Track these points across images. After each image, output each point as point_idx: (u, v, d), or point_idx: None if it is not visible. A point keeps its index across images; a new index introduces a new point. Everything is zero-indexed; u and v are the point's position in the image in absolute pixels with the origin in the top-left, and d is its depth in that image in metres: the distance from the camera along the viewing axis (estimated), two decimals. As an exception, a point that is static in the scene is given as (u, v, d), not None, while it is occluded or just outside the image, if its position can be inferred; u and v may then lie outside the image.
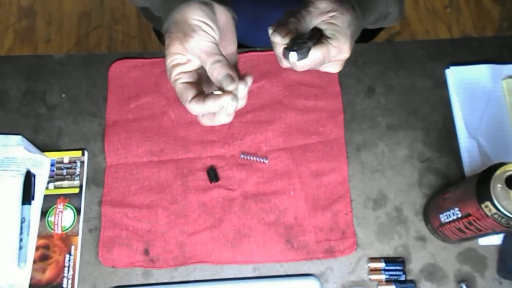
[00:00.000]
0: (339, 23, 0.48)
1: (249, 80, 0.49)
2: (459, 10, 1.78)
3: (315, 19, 0.49)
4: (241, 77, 0.49)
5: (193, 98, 0.49)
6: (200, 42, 0.48)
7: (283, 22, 0.48)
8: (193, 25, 0.49)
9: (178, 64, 0.50)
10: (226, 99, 0.47)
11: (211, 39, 0.49)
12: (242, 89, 0.48)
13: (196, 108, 0.48)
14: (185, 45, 0.49)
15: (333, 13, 0.48)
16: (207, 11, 0.49)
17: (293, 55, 0.46)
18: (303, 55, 0.46)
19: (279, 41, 0.48)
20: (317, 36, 0.49)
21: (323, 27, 0.49)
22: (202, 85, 0.52)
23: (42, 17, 1.77)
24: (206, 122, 0.51)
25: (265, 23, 0.53)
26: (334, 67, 0.53)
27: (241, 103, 0.50)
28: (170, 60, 0.50)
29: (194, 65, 0.50)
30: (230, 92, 0.47)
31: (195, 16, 0.49)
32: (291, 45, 0.47)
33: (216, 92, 0.47)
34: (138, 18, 1.76)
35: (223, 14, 0.52)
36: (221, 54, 0.49)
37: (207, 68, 0.49)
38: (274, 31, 0.48)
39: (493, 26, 1.75)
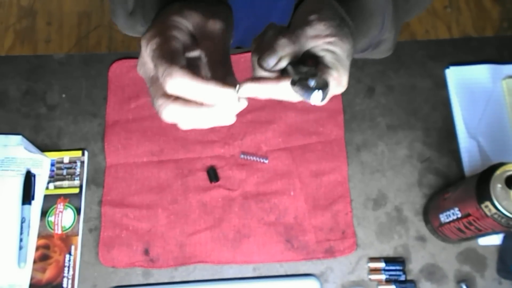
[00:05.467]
0: (338, 51, 0.40)
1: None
2: (459, 10, 1.78)
3: (309, 43, 0.40)
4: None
5: (186, 66, 0.37)
6: (225, 30, 0.42)
7: (269, 43, 0.40)
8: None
9: (182, 31, 0.41)
10: (232, 93, 0.37)
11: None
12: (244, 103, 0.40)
13: (187, 79, 0.36)
14: (210, 21, 0.41)
15: (332, 39, 0.40)
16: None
17: (317, 95, 0.36)
18: (326, 93, 0.37)
19: (268, 68, 0.40)
20: (311, 65, 0.40)
21: (320, 53, 0.40)
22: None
23: (42, 17, 1.77)
24: (187, 121, 0.39)
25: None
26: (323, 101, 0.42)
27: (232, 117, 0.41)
28: (180, 21, 0.41)
29: (191, 47, 0.42)
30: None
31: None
32: (304, 79, 0.37)
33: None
34: (138, 18, 1.76)
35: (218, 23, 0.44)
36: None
37: (217, 58, 0.40)
38: (259, 51, 0.40)
39: (493, 26, 1.75)
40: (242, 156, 0.71)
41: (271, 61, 0.39)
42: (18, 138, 0.73)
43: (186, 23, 0.41)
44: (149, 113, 0.74)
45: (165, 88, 0.37)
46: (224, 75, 0.39)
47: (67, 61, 0.78)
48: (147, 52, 0.39)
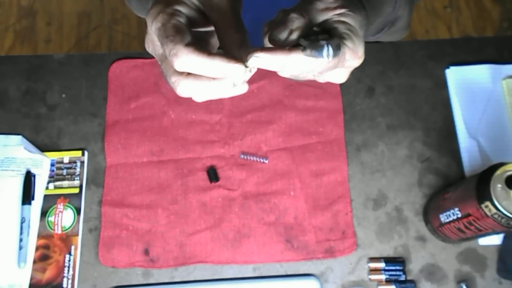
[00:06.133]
0: (351, 21, 0.40)
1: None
2: (459, 10, 1.78)
3: (320, 16, 0.41)
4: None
5: (191, 43, 0.37)
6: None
7: (280, 21, 0.40)
8: None
9: (186, 4, 0.40)
10: (240, 68, 0.37)
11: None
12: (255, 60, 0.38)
13: (193, 58, 0.36)
14: None
15: (343, 10, 0.40)
16: None
17: (327, 50, 0.36)
18: (337, 52, 0.37)
19: (280, 42, 0.40)
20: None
21: (332, 25, 0.41)
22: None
23: (42, 17, 1.77)
24: (201, 95, 0.40)
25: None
26: (341, 76, 0.43)
27: (244, 88, 0.41)
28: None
29: (197, 19, 0.41)
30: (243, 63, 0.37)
31: None
32: (315, 40, 0.37)
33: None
34: (138, 18, 1.76)
35: None
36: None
37: (229, 25, 0.39)
38: (271, 30, 0.40)
39: (493, 26, 1.75)
40: (242, 156, 0.71)
41: (282, 35, 0.39)
42: (18, 138, 0.73)
43: None
44: (149, 113, 0.74)
45: (173, 67, 0.37)
46: (237, 44, 0.39)
47: (67, 61, 0.78)
48: (152, 30, 0.40)
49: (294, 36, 0.39)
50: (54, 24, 1.76)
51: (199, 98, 0.40)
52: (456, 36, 1.71)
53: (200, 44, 0.39)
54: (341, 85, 0.75)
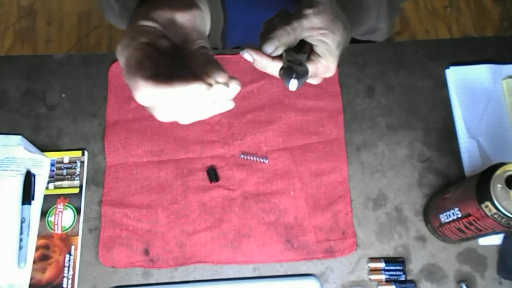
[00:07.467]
0: (329, 42, 0.48)
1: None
2: (459, 10, 1.78)
3: (305, 33, 0.48)
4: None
5: (151, 76, 0.37)
6: (198, 17, 0.42)
7: (270, 33, 0.47)
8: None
9: (150, 34, 0.41)
10: (200, 87, 0.37)
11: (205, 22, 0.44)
12: (234, 87, 0.39)
13: (151, 90, 0.37)
14: (177, 14, 0.41)
15: (325, 31, 0.47)
16: None
17: (293, 83, 0.47)
18: (302, 82, 0.48)
19: (268, 52, 0.48)
20: (307, 50, 0.49)
21: (313, 42, 0.49)
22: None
23: (42, 17, 1.77)
24: (184, 118, 0.41)
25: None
26: (314, 81, 0.54)
27: (229, 105, 0.42)
28: (147, 25, 0.41)
29: (165, 45, 0.42)
30: (213, 83, 0.38)
31: None
32: (288, 69, 0.47)
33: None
34: (138, 18, 1.75)
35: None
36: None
37: (193, 48, 0.40)
38: (261, 45, 0.47)
39: (493, 26, 1.75)
40: (242, 156, 0.71)
41: (269, 49, 0.47)
42: (18, 138, 0.73)
43: (154, 25, 0.42)
44: (149, 113, 0.74)
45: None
46: (200, 66, 0.39)
47: (67, 61, 0.78)
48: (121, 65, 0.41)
49: (279, 51, 0.48)
50: (54, 24, 1.76)
51: (183, 121, 0.42)
52: (456, 36, 1.71)
53: (175, 66, 0.40)
54: (341, 85, 0.75)
